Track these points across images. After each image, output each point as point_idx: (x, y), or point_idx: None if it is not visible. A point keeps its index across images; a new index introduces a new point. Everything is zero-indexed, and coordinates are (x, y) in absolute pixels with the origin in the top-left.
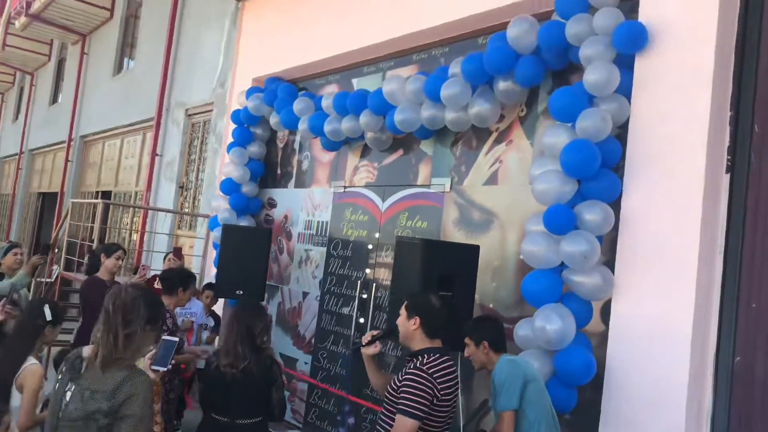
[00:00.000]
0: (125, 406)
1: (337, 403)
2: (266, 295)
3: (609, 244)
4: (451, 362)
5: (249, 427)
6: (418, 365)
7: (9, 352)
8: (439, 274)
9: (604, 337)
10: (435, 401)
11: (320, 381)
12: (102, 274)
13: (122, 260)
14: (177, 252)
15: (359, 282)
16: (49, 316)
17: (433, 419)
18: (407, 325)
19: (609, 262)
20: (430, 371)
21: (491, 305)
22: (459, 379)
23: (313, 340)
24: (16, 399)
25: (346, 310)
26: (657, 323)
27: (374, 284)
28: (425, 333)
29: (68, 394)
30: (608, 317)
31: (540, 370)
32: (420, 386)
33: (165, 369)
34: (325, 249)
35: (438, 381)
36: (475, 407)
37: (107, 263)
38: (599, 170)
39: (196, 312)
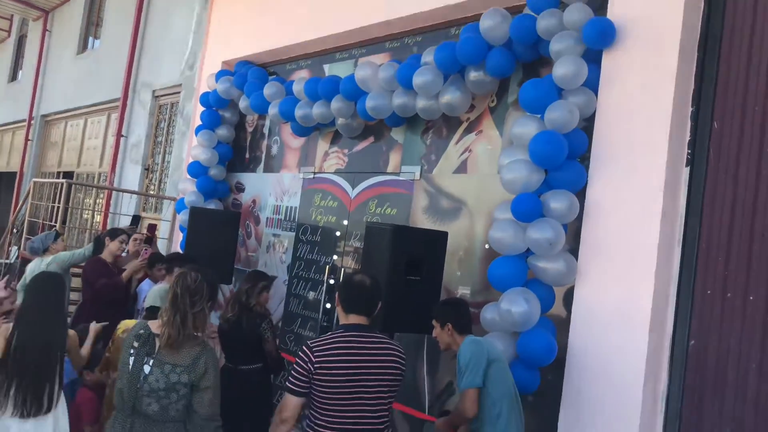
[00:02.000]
0: (203, 379)
1: None
2: (233, 279)
3: (573, 233)
4: (353, 336)
5: (248, 372)
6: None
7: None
8: (407, 259)
9: (566, 322)
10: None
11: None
12: (105, 256)
13: (125, 243)
14: (151, 229)
15: (327, 267)
16: None
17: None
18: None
19: (573, 250)
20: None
21: (458, 291)
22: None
23: (280, 323)
24: None
25: (313, 295)
26: (617, 309)
27: (342, 269)
28: (342, 308)
29: (146, 368)
30: (571, 303)
31: (504, 352)
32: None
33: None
34: (293, 234)
35: (315, 355)
36: (441, 388)
37: (111, 246)
38: (566, 161)
39: None
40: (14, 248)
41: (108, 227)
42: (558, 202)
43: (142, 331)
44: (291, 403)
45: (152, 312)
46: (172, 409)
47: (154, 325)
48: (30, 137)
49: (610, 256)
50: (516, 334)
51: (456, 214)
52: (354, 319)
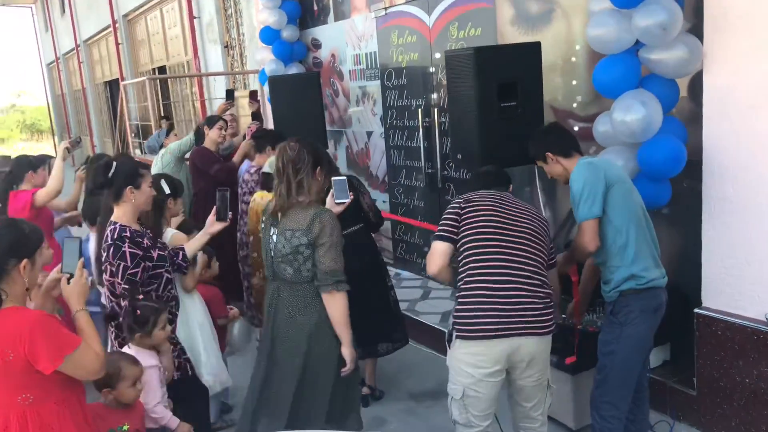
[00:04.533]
0: (319, 237)
1: (421, 236)
2: (332, 142)
3: (692, 6)
4: (496, 192)
5: (351, 235)
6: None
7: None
8: (498, 83)
9: (696, 117)
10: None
11: (402, 216)
12: (208, 144)
13: (224, 129)
14: (253, 95)
15: (420, 110)
16: (167, 189)
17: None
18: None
19: (694, 28)
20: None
21: (563, 106)
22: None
23: (386, 178)
24: None
25: (412, 143)
26: (760, 90)
27: (435, 109)
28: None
29: (273, 237)
30: (700, 93)
31: (625, 168)
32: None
33: (347, 200)
34: (379, 82)
35: (465, 198)
36: (563, 218)
37: (211, 135)
38: None
39: None
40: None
41: (207, 115)
42: None
43: (269, 205)
44: (438, 249)
45: (267, 178)
46: (304, 270)
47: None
48: (119, 40)
49: (746, 27)
50: (638, 144)
51: (548, 18)
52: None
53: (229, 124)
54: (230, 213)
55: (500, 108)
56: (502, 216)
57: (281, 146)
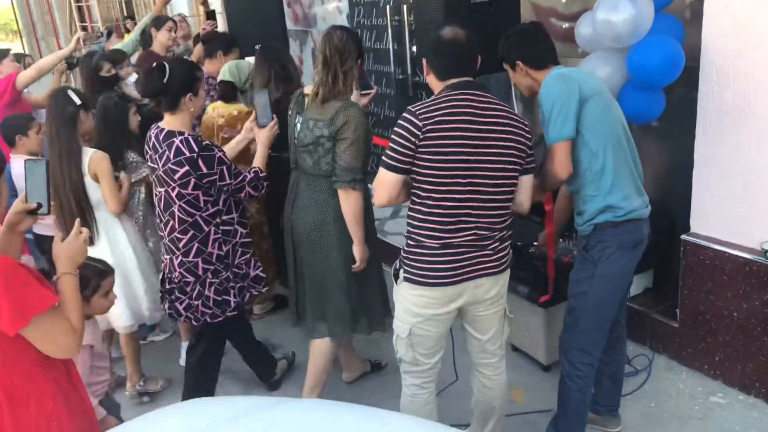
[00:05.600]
0: (341, 131)
1: None
2: (297, 43)
3: None
4: (465, 95)
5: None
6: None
7: (55, 153)
8: None
9: (697, 14)
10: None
11: (372, 126)
12: (156, 48)
13: (173, 31)
14: None
15: (388, 6)
16: (77, 99)
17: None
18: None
19: None
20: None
21: (546, 2)
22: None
23: None
24: (97, 192)
25: (381, 44)
26: None
27: (405, 5)
28: (436, 77)
29: (298, 125)
30: None
31: (611, 78)
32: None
33: (374, 90)
34: None
35: (422, 119)
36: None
37: (159, 37)
38: None
39: None
40: None
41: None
42: None
43: (297, 93)
44: (387, 181)
45: (226, 87)
46: (323, 162)
47: (306, 87)
48: None
49: None
50: (627, 48)
51: None
52: (455, 80)
53: (179, 24)
54: (274, 116)
55: (470, 5)
56: (472, 140)
57: (327, 33)
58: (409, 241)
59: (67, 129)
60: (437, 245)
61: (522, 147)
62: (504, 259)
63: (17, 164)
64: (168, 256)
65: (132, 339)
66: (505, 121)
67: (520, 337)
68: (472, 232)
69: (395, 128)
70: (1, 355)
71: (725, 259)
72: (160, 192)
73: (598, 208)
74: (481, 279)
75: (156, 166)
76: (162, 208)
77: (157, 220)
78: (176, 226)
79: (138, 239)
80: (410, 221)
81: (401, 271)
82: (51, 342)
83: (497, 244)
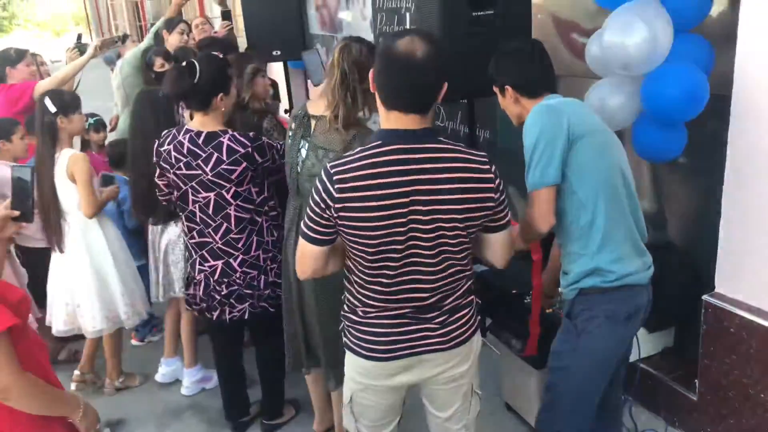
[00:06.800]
0: None
1: None
2: (324, 49)
3: None
4: (395, 150)
5: None
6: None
7: (39, 161)
8: None
9: (730, 35)
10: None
11: None
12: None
13: (185, 34)
14: None
15: (408, 14)
16: (51, 107)
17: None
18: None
19: None
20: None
21: (560, 15)
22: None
23: None
24: (75, 195)
25: None
26: None
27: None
28: (380, 98)
29: (303, 152)
30: (737, 1)
31: (623, 108)
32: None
33: None
34: None
35: (337, 182)
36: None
37: (171, 40)
38: None
39: None
40: None
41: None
42: None
43: (300, 112)
44: (309, 253)
45: None
46: None
47: (310, 106)
48: None
49: None
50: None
51: None
52: (397, 119)
53: (201, 27)
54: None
55: (471, 18)
56: (405, 207)
57: (343, 45)
58: (345, 304)
59: (45, 137)
60: (372, 314)
61: (480, 206)
62: (455, 333)
63: (1, 170)
64: (218, 262)
65: (112, 337)
66: (457, 176)
67: (514, 396)
68: (412, 304)
69: (312, 190)
70: None
71: (753, 330)
72: (207, 197)
73: (584, 271)
74: (427, 355)
75: (199, 172)
76: (211, 212)
77: (198, 228)
78: (233, 227)
79: (120, 245)
80: (344, 280)
81: (342, 332)
82: None
83: (445, 316)
